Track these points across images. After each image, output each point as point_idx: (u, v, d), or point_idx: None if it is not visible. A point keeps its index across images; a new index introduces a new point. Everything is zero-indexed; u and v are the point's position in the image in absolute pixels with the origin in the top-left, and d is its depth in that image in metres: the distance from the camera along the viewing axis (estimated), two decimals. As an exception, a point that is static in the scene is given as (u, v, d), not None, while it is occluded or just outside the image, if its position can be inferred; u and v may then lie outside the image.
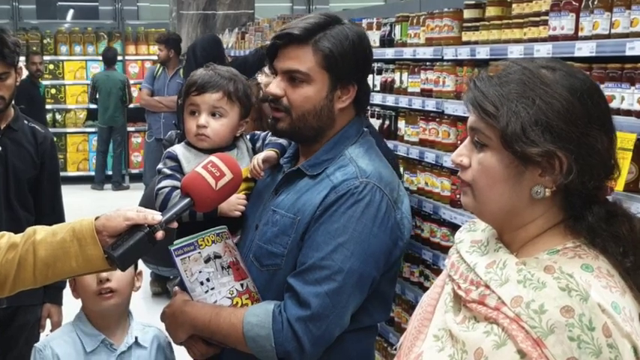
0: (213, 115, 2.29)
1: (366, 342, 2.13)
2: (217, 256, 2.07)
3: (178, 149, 2.32)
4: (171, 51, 8.75)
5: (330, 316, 1.92)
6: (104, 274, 2.31)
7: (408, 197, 2.10)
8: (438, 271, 3.65)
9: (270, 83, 2.10)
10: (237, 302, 2.06)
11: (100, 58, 11.16)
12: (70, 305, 2.65)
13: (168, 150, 2.35)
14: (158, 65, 9.13)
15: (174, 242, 2.05)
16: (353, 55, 2.02)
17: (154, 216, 1.85)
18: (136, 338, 2.44)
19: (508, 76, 1.37)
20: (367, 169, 2.00)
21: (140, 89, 9.45)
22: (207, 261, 2.06)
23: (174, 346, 2.48)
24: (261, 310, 1.99)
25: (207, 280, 2.07)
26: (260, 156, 2.22)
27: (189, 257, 2.05)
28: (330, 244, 1.93)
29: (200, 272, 2.06)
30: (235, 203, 2.19)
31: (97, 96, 10.52)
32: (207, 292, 2.07)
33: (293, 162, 2.19)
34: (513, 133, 1.32)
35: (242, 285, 2.07)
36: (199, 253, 2.05)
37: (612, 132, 1.38)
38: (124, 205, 1.93)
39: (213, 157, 2.02)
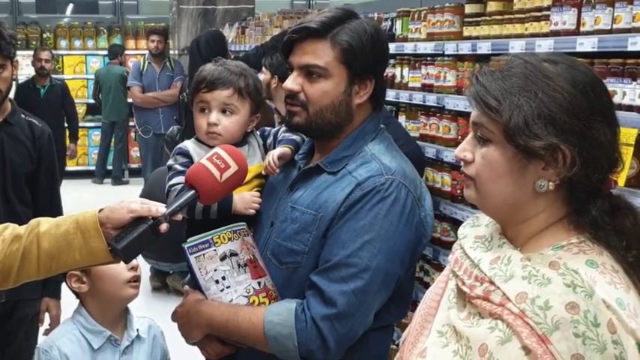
0: (223, 112, 2.25)
1: (386, 340, 2.09)
2: (234, 254, 2.03)
3: (189, 145, 2.28)
4: (167, 43, 8.74)
5: (356, 314, 1.89)
6: (134, 262, 2.32)
7: (429, 194, 2.08)
8: (438, 266, 3.65)
9: (287, 79, 2.05)
10: (254, 301, 2.01)
11: (99, 52, 11.20)
12: (68, 300, 2.64)
13: (179, 146, 2.30)
14: (142, 60, 9.00)
15: (188, 240, 2.01)
16: (371, 50, 1.99)
17: (158, 208, 1.83)
18: (138, 331, 2.43)
19: (510, 70, 1.37)
20: (391, 165, 1.97)
21: (129, 88, 9.28)
22: (222, 259, 2.02)
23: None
24: (283, 308, 1.95)
25: (223, 278, 2.02)
26: (275, 152, 2.18)
27: (203, 255, 2.00)
28: (356, 241, 1.90)
29: (215, 270, 2.01)
30: (250, 201, 2.16)
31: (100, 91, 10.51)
32: (222, 290, 2.02)
33: (308, 158, 2.16)
34: (516, 126, 1.31)
35: (259, 283, 2.03)
36: (215, 250, 2.01)
37: (615, 124, 1.38)
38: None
39: (218, 149, 1.99)
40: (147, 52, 9.62)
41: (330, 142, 2.06)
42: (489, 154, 1.37)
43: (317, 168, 2.05)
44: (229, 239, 2.03)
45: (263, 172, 2.22)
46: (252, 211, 2.16)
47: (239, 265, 2.03)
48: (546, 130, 1.30)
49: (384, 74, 4.17)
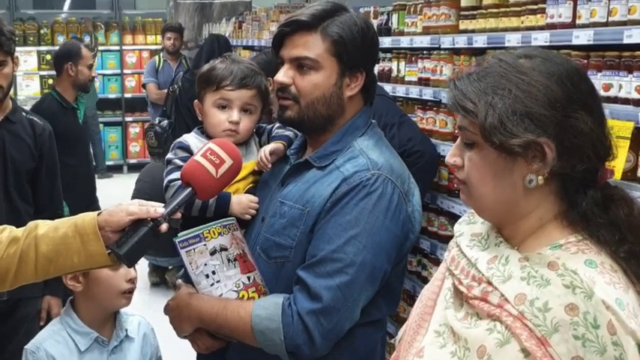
0: (244, 110, 2.27)
1: (375, 336, 2.10)
2: (223, 249, 2.04)
3: (190, 139, 2.29)
4: (182, 40, 8.57)
5: (341, 309, 1.90)
6: (133, 273, 2.36)
7: (418, 189, 2.08)
8: (435, 261, 3.66)
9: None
10: (243, 295, 2.03)
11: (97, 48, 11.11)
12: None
13: (179, 140, 2.31)
14: (157, 57, 8.87)
15: (179, 234, 2.02)
16: (362, 42, 2.00)
17: (157, 209, 1.83)
18: (126, 331, 2.45)
19: (485, 70, 1.37)
20: (378, 160, 1.98)
21: (144, 85, 9.00)
22: (212, 253, 2.03)
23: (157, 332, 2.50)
24: (270, 303, 1.96)
25: (213, 272, 2.04)
26: (267, 148, 2.20)
27: (194, 249, 2.02)
28: (341, 236, 1.91)
29: (205, 265, 2.03)
30: (247, 206, 2.16)
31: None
32: (212, 285, 2.04)
33: (300, 153, 2.17)
34: (491, 125, 1.31)
35: (249, 278, 2.05)
36: (205, 245, 2.02)
37: (599, 112, 1.37)
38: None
39: (211, 144, 1.99)
40: (144, 47, 9.37)
41: (321, 136, 2.07)
42: (474, 157, 1.38)
43: (306, 163, 2.06)
44: (219, 234, 2.05)
45: (256, 168, 2.23)
46: (248, 217, 2.16)
47: (229, 260, 2.05)
48: (523, 126, 1.29)
49: (381, 68, 4.20)
